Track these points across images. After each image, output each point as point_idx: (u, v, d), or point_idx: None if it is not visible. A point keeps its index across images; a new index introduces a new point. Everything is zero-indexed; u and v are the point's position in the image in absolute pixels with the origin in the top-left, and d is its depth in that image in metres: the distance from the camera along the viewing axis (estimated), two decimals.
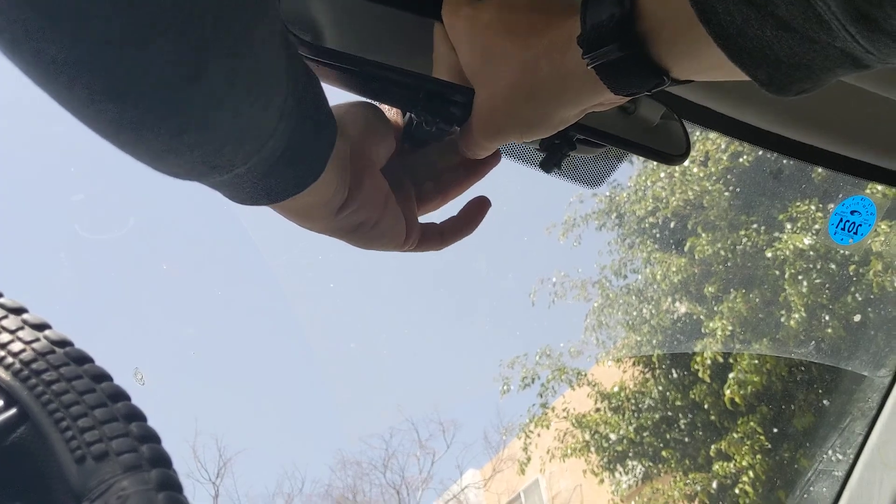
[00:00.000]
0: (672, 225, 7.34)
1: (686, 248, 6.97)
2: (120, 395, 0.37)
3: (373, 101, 0.60)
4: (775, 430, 6.77)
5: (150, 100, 0.37)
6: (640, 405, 7.74)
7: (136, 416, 0.36)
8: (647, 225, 7.48)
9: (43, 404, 0.36)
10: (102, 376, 0.37)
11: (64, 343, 0.39)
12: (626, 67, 0.46)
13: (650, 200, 7.26)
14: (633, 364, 7.87)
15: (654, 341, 7.35)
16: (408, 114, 0.62)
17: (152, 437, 0.35)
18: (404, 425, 14.15)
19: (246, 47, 0.38)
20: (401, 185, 0.63)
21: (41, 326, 0.39)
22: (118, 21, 0.33)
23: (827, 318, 6.15)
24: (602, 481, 8.12)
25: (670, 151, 0.67)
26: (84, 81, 0.35)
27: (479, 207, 0.66)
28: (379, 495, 11.90)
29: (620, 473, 7.96)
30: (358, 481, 12.07)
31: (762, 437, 6.65)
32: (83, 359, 0.38)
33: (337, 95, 0.56)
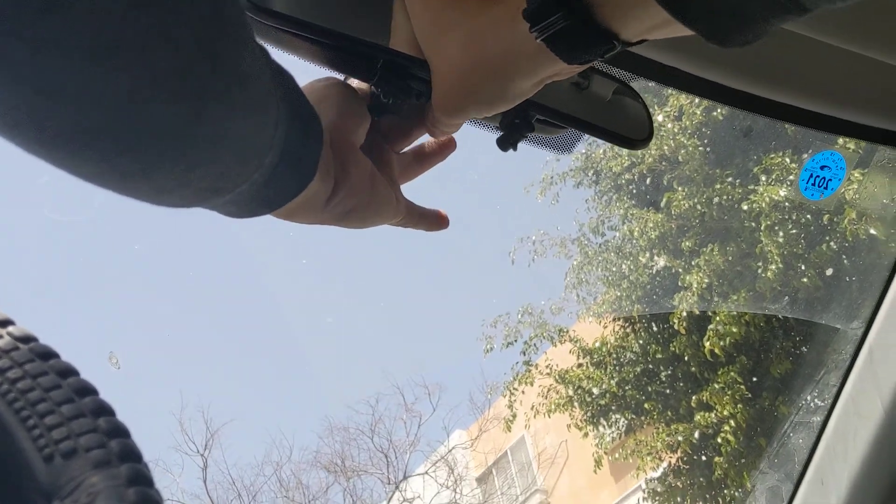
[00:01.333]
0: (648, 181, 7.36)
1: (663, 204, 7.00)
2: (87, 390, 0.36)
3: (335, 74, 0.59)
4: (755, 379, 6.88)
5: (157, 148, 0.38)
6: (621, 359, 7.83)
7: (104, 410, 0.36)
8: (623, 181, 7.51)
9: (8, 403, 0.35)
10: (68, 371, 0.37)
11: (28, 339, 0.38)
12: (574, 36, 0.45)
13: (626, 157, 7.27)
14: (614, 319, 7.94)
15: (634, 296, 7.42)
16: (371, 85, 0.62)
17: (121, 432, 0.35)
18: (390, 390, 14.22)
19: (238, 77, 0.39)
20: (381, 156, 0.62)
21: (4, 323, 0.38)
22: (121, 84, 0.33)
23: (803, 267, 6.22)
24: (586, 435, 8.24)
25: (632, 136, 0.67)
26: (90, 145, 0.36)
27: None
28: (367, 460, 12.01)
29: (604, 427, 8.08)
30: (346, 447, 12.17)
31: (742, 387, 6.76)
32: (48, 354, 0.38)
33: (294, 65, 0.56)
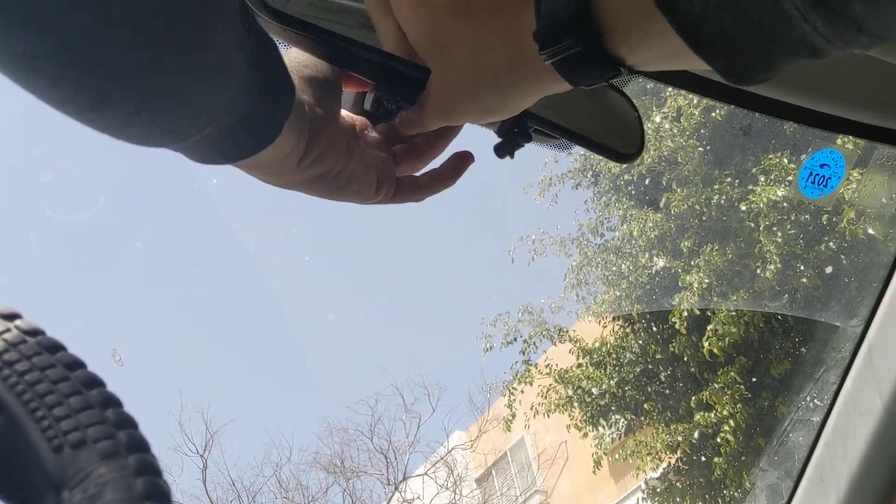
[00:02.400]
0: (647, 181, 7.37)
1: (662, 204, 7.01)
2: (94, 382, 0.36)
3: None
4: (754, 379, 6.89)
5: (109, 85, 0.41)
6: (621, 359, 7.83)
7: (112, 402, 0.36)
8: (622, 182, 7.51)
9: (17, 395, 0.36)
10: (76, 364, 0.37)
11: (36, 332, 0.39)
12: (583, 61, 0.46)
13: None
14: (614, 319, 7.94)
15: (633, 296, 7.42)
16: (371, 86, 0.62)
17: (129, 423, 0.35)
18: (389, 390, 14.23)
19: (200, 42, 0.42)
20: (376, 140, 0.63)
21: (12, 316, 0.39)
22: (81, 17, 0.37)
23: (802, 267, 6.23)
24: (586, 435, 8.24)
25: (624, 150, 0.68)
26: (51, 71, 0.39)
27: (462, 160, 0.66)
28: (367, 460, 12.02)
29: (604, 427, 8.08)
30: (345, 447, 12.18)
31: (742, 387, 6.76)
32: (56, 347, 0.38)
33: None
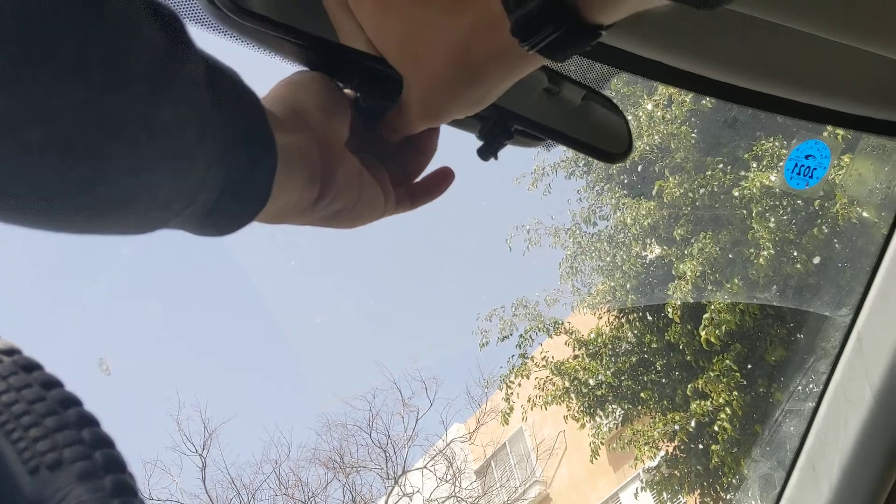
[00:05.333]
0: (639, 169, 7.37)
1: (654, 192, 7.01)
2: (71, 402, 0.36)
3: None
4: (749, 367, 6.90)
5: (54, 211, 0.36)
6: (617, 350, 7.85)
7: (89, 421, 0.36)
8: (614, 171, 7.51)
9: None
10: (52, 383, 0.37)
11: (11, 351, 0.38)
12: (565, 41, 0.45)
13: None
14: (609, 310, 7.95)
15: (628, 286, 7.43)
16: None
17: (105, 443, 0.35)
18: (387, 385, 14.24)
19: (145, 132, 0.37)
20: (368, 152, 0.60)
21: None
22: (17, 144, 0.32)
23: (795, 253, 6.24)
24: (583, 426, 8.26)
25: (611, 149, 0.67)
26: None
27: (443, 178, 0.65)
28: (366, 455, 12.03)
29: (601, 417, 8.10)
30: (344, 443, 12.19)
31: (737, 374, 6.78)
32: (32, 366, 0.38)
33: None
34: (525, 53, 0.47)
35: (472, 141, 0.64)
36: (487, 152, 0.63)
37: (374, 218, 0.59)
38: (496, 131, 0.62)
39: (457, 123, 0.62)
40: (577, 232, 8.06)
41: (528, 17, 0.44)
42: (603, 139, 0.67)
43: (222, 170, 0.43)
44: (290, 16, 0.54)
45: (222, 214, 0.45)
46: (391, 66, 0.53)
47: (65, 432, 0.35)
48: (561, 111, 0.65)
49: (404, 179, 0.63)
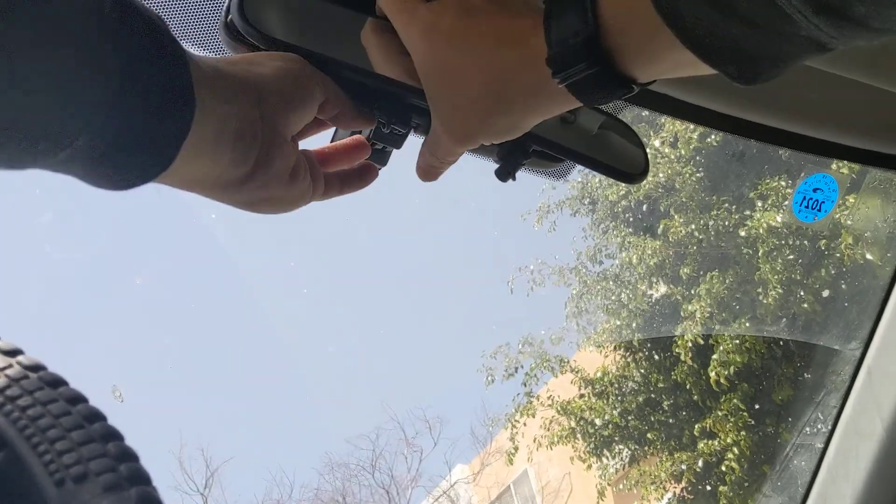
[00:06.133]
0: (644, 208, 7.38)
1: (660, 231, 7.02)
2: (96, 416, 0.37)
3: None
4: (757, 406, 6.84)
5: None
6: (623, 389, 7.79)
7: (114, 435, 0.36)
8: (619, 209, 7.52)
9: (19, 430, 0.36)
10: (77, 398, 0.38)
11: (37, 367, 0.39)
12: (596, 83, 0.47)
13: (622, 185, 7.29)
14: (615, 349, 7.91)
15: (634, 325, 7.40)
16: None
17: (130, 456, 0.35)
18: (390, 424, 14.11)
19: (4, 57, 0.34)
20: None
21: (13, 352, 0.39)
22: None
23: (802, 293, 6.22)
24: (590, 467, 8.16)
25: (629, 170, 0.68)
26: None
27: (370, 171, 0.64)
28: (369, 496, 11.88)
29: (607, 458, 8.01)
30: (347, 483, 12.04)
31: (745, 414, 6.72)
32: (57, 382, 0.38)
33: None
34: (558, 92, 0.49)
35: (477, 182, 0.65)
36: (505, 173, 0.64)
37: (298, 207, 0.58)
38: (514, 151, 0.63)
39: (475, 150, 0.64)
40: (583, 271, 8.05)
41: (565, 51, 0.46)
42: (620, 159, 0.68)
43: (115, 117, 0.40)
44: (311, 41, 0.55)
45: (112, 166, 0.42)
46: (415, 96, 0.54)
47: (90, 445, 0.35)
48: (579, 133, 0.66)
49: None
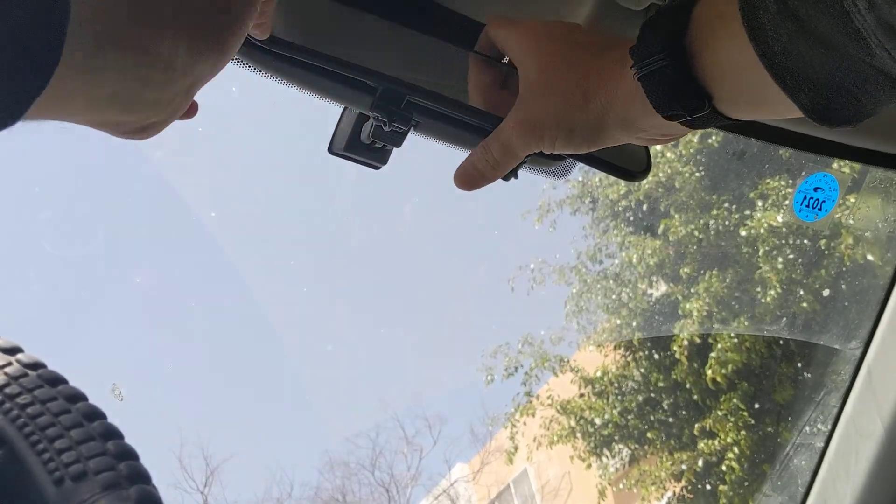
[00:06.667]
0: (645, 207, 7.38)
1: (660, 230, 7.01)
2: (96, 415, 0.37)
3: (331, 103, 0.58)
4: (757, 406, 6.84)
5: None
6: (623, 388, 7.79)
7: (113, 434, 0.36)
8: (620, 208, 7.52)
9: (18, 428, 0.36)
10: (77, 396, 0.37)
11: (37, 366, 0.39)
12: (668, 79, 0.47)
13: (622, 184, 7.29)
14: (615, 348, 7.91)
15: (634, 324, 7.40)
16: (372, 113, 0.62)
17: (130, 455, 0.35)
18: (390, 423, 14.10)
19: None
20: None
21: (13, 350, 0.39)
22: None
23: (801, 292, 6.22)
24: (589, 466, 8.16)
25: (631, 167, 0.68)
26: None
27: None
28: (368, 494, 11.87)
29: (607, 457, 8.01)
30: (346, 482, 12.03)
31: (745, 413, 6.72)
32: (57, 380, 0.38)
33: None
34: (635, 92, 0.50)
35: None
36: (509, 172, 0.64)
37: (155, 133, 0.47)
38: None
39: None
40: (583, 270, 8.05)
41: (649, 42, 0.48)
42: (623, 157, 0.68)
43: None
44: (313, 40, 0.55)
45: None
46: (416, 94, 0.54)
47: (90, 444, 0.35)
48: None
49: None
